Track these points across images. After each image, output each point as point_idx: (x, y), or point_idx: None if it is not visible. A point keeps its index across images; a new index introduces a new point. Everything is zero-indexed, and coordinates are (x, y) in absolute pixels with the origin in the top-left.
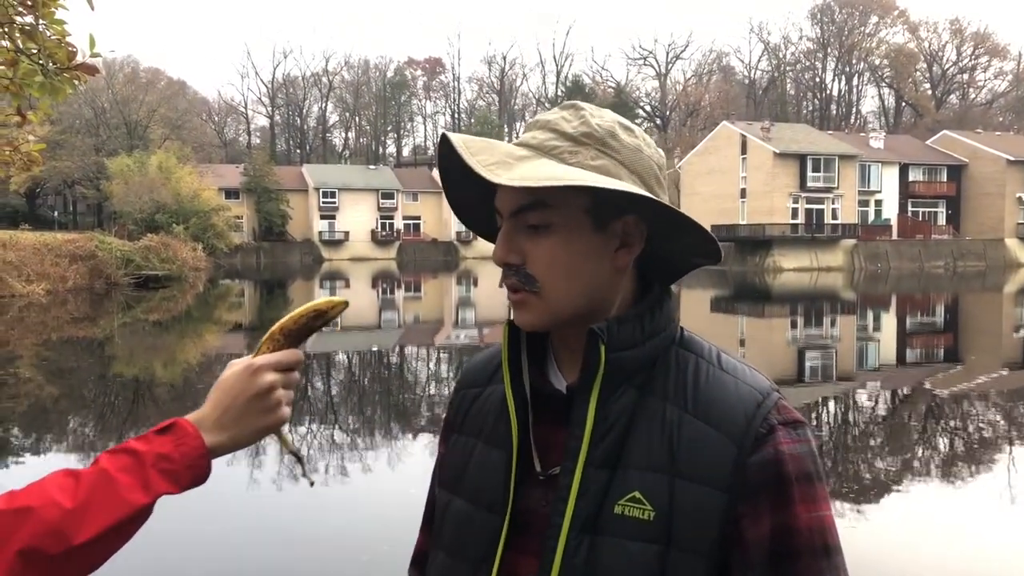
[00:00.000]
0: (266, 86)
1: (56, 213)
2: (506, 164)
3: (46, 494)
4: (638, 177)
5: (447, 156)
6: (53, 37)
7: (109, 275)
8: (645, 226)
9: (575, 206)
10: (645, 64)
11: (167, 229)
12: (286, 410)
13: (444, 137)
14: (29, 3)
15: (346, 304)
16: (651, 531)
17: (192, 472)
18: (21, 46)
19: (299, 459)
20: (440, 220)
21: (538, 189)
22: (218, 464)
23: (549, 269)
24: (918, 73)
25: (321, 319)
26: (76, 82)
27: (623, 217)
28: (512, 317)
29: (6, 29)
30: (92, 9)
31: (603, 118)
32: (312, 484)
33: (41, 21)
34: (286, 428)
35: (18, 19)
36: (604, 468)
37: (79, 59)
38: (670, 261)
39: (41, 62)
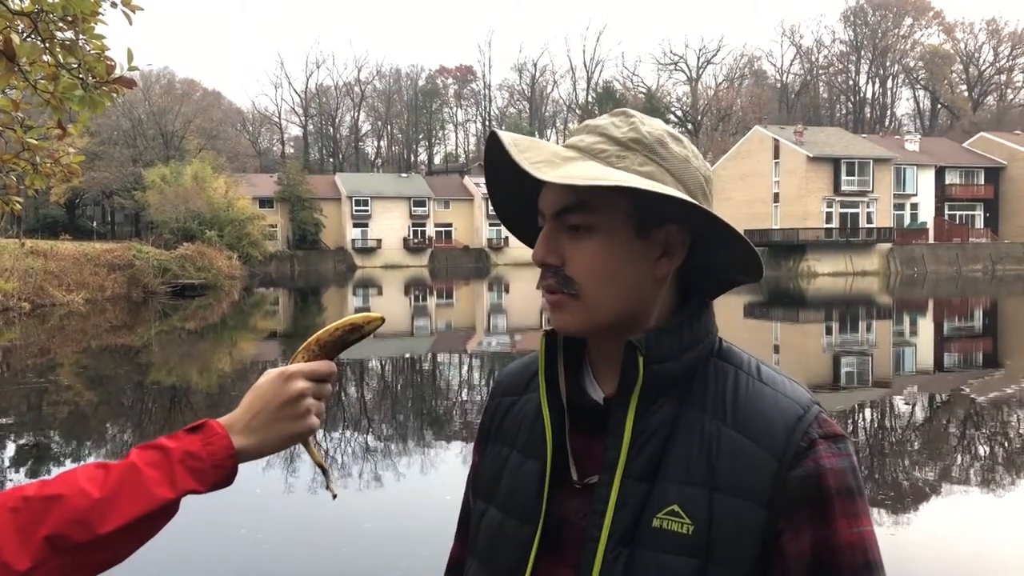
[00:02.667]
0: (299, 96)
1: (95, 223)
2: (552, 163)
3: (76, 483)
4: (684, 188)
5: (494, 155)
6: (92, 52)
7: (146, 284)
8: (688, 236)
9: (618, 210)
10: (676, 69)
11: (202, 238)
12: (315, 420)
13: (493, 135)
14: (70, 19)
15: (382, 320)
16: (690, 545)
17: (219, 472)
18: (62, 61)
19: (324, 471)
20: (471, 227)
21: (583, 188)
22: (253, 469)
23: (588, 272)
24: (954, 75)
25: (357, 333)
26: (114, 95)
27: (665, 225)
28: (549, 320)
29: (48, 45)
30: (130, 24)
31: (653, 126)
32: (335, 497)
33: (81, 36)
34: (314, 440)
35: (59, 34)
36: (642, 480)
37: (117, 73)
38: (711, 275)
39: (81, 76)
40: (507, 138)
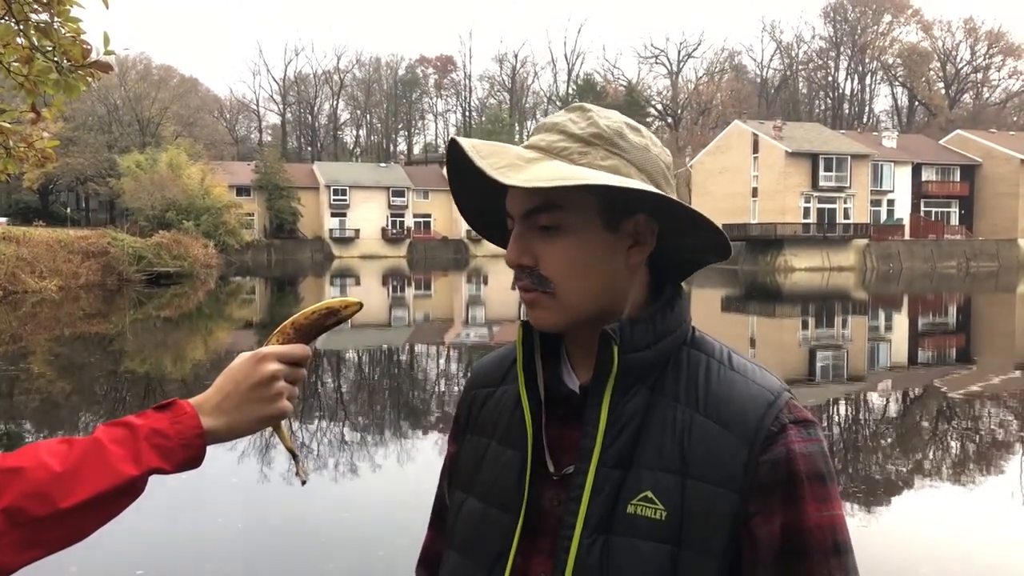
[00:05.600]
0: (278, 83)
1: (69, 210)
2: (516, 167)
3: (37, 457)
4: (647, 176)
5: (455, 159)
6: (68, 35)
7: (121, 272)
8: (656, 224)
9: (586, 206)
10: (657, 62)
11: (178, 226)
12: (287, 403)
13: (453, 141)
14: (44, 1)
15: (360, 305)
16: (663, 531)
17: (186, 452)
18: (36, 43)
19: (295, 456)
20: (450, 218)
21: (549, 190)
22: (229, 458)
23: (562, 270)
24: (932, 72)
25: (333, 318)
26: (90, 79)
27: (634, 216)
28: (526, 317)
29: (22, 27)
30: (107, 7)
31: (610, 119)
32: (304, 483)
33: (56, 19)
34: (286, 424)
35: (33, 17)
36: (617, 468)
37: (93, 57)
38: (679, 257)
39: (56, 60)
40: (467, 144)
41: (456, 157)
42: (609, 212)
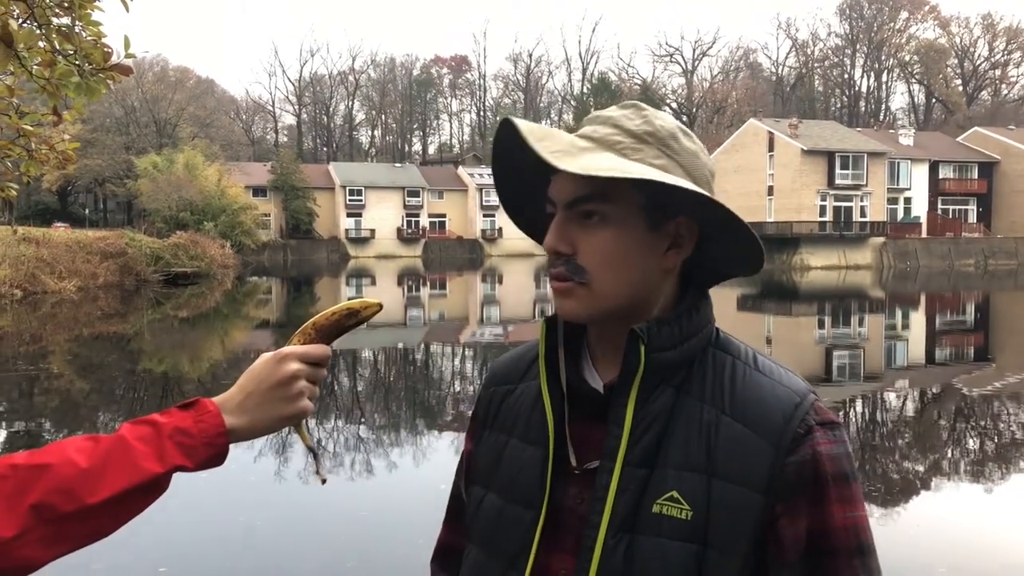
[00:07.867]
0: (293, 84)
1: (87, 211)
2: (570, 153)
3: (64, 453)
4: (693, 181)
5: (503, 139)
6: (89, 38)
7: (139, 272)
8: (696, 229)
9: (632, 202)
10: (671, 61)
11: (196, 227)
12: (307, 403)
13: (506, 121)
14: (66, 5)
15: (380, 306)
16: (688, 530)
17: (209, 450)
18: (58, 47)
19: (315, 455)
20: (465, 218)
21: (600, 179)
22: (250, 456)
23: (600, 261)
24: (949, 69)
25: (354, 318)
26: (110, 82)
27: (676, 218)
28: (555, 306)
29: (44, 31)
30: (127, 11)
31: (664, 120)
32: (324, 482)
33: (77, 23)
34: (306, 423)
35: (55, 21)
36: (642, 467)
37: (114, 60)
38: (708, 267)
39: (77, 63)
40: (524, 126)
41: (504, 138)
42: (653, 210)
